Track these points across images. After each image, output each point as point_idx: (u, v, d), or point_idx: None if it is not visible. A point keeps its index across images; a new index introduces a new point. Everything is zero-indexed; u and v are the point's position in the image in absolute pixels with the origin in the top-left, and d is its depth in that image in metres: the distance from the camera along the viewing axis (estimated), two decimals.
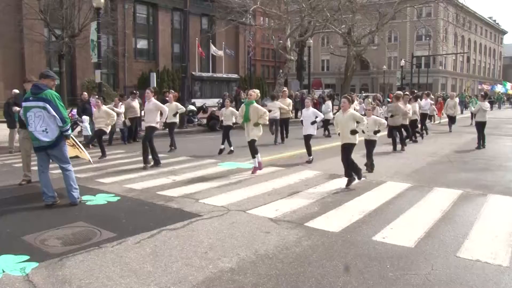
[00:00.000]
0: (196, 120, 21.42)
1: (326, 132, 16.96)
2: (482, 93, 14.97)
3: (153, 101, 10.26)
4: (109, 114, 11.76)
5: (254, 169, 9.15)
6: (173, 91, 17.13)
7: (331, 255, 4.60)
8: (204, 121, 20.70)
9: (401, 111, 12.70)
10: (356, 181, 7.87)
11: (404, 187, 7.82)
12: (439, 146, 14.00)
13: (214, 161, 10.88)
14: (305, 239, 5.06)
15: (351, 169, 7.80)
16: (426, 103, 18.08)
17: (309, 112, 10.76)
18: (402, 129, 13.08)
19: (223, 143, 12.30)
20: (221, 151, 12.02)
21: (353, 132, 7.69)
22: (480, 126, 13.58)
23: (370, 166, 9.37)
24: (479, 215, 6.11)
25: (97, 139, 12.05)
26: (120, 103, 14.98)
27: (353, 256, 4.56)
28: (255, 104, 9.20)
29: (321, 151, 11.88)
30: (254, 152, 9.17)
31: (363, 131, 8.34)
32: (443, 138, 16.64)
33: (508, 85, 71.01)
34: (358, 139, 7.92)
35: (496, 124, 23.64)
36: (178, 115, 13.58)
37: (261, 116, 9.10)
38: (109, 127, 12.10)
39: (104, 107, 12.11)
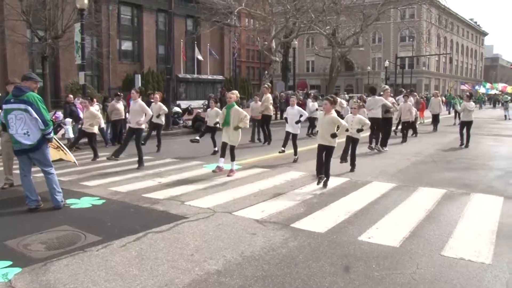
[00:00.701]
0: (181, 122, 21.32)
1: (311, 130, 16.95)
2: (468, 93, 15.20)
3: (139, 102, 10.29)
4: (94, 116, 11.86)
5: (231, 171, 9.06)
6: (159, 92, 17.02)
7: (318, 255, 4.61)
8: (190, 123, 20.61)
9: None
10: (322, 184, 7.73)
11: (389, 187, 7.89)
12: (423, 146, 14.14)
13: (199, 163, 10.85)
14: (291, 240, 5.07)
15: (324, 170, 7.75)
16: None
17: (294, 110, 11.01)
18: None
19: (215, 146, 12.32)
20: (215, 152, 12.11)
21: (333, 135, 7.69)
22: (466, 125, 13.79)
23: (352, 163, 9.52)
24: (463, 214, 6.19)
25: (88, 142, 11.99)
26: (96, 103, 14.97)
27: (339, 256, 4.58)
28: (236, 106, 9.12)
29: (306, 152, 11.90)
30: (233, 157, 9.17)
31: (347, 130, 8.31)
32: (427, 138, 16.81)
33: (488, 85, 72.24)
34: (337, 141, 7.94)
35: (479, 124, 23.88)
36: (162, 116, 13.53)
37: (241, 120, 8.94)
38: (95, 128, 12.06)
39: (91, 108, 12.13)
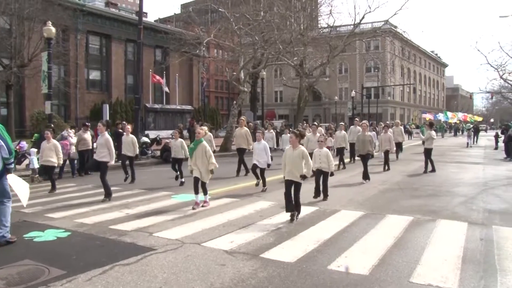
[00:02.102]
0: (150, 152, 21.13)
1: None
2: (428, 123, 15.92)
3: (105, 136, 10.22)
4: (57, 149, 11.48)
5: (205, 202, 9.02)
6: (125, 123, 16.80)
7: (287, 286, 4.59)
8: (158, 153, 20.45)
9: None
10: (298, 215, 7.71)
11: (357, 215, 7.97)
12: (390, 174, 14.43)
13: (168, 193, 10.73)
14: (260, 271, 5.03)
15: (295, 204, 7.60)
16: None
17: (260, 145, 11.23)
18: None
19: (177, 172, 12.23)
20: (182, 183, 11.99)
21: (303, 177, 7.51)
22: (427, 152, 14.76)
23: (324, 193, 9.57)
24: (429, 240, 6.30)
25: (47, 174, 11.67)
26: (74, 134, 14.75)
27: (309, 286, 4.57)
28: (203, 142, 9.07)
29: (274, 182, 11.94)
30: (206, 191, 9.08)
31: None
32: (393, 166, 17.09)
33: (449, 114, 75.25)
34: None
35: (442, 152, 24.69)
36: (137, 148, 13.32)
37: (210, 163, 8.84)
38: (59, 160, 11.72)
39: (53, 141, 11.75)
